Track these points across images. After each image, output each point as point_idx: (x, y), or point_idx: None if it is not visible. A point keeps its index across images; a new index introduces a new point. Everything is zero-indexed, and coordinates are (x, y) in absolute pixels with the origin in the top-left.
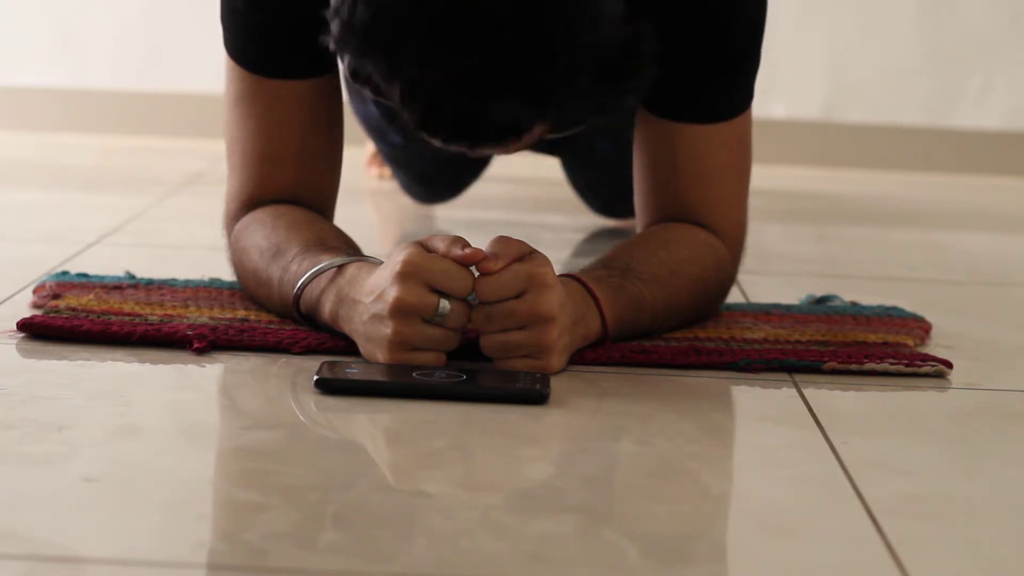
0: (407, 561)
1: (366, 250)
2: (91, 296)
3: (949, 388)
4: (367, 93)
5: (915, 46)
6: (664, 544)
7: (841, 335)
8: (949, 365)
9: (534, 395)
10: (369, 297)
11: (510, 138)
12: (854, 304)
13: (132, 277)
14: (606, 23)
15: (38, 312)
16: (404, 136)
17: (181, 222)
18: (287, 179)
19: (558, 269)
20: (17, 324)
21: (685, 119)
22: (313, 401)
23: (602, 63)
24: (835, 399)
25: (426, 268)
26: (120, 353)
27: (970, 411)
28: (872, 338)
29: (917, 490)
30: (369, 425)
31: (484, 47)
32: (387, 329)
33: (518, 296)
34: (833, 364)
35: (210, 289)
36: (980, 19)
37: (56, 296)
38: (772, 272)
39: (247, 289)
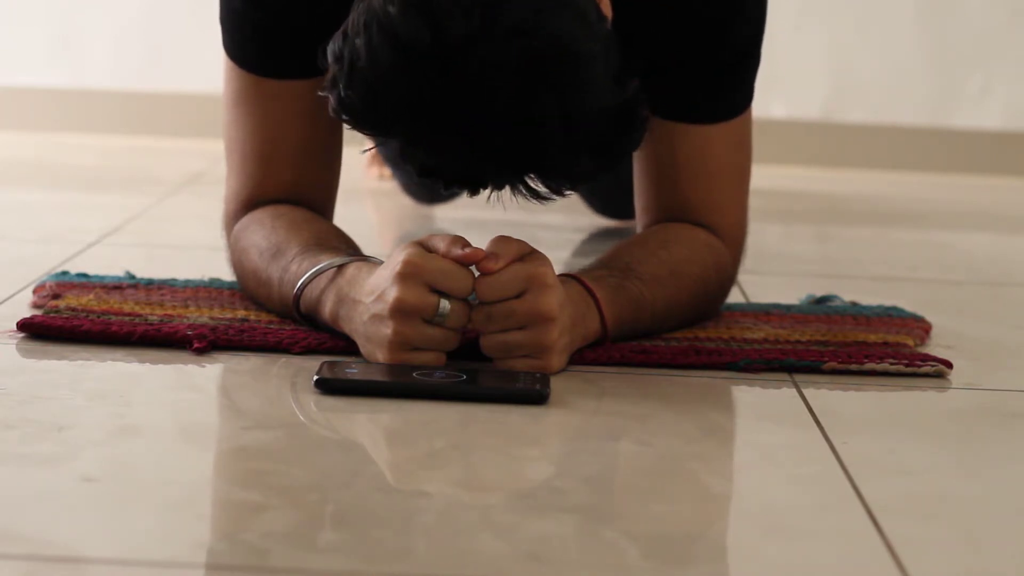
0: (407, 561)
1: (366, 250)
2: (91, 296)
3: (949, 388)
4: None
5: (915, 46)
6: (664, 544)
7: (841, 335)
8: (949, 365)
9: (534, 395)
10: (369, 297)
11: (508, 186)
12: (854, 304)
13: (132, 277)
14: (596, 95)
15: (38, 312)
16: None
17: (181, 222)
18: (286, 179)
19: (558, 269)
20: (17, 324)
21: (685, 119)
22: (313, 401)
23: (594, 136)
24: (835, 399)
25: (426, 268)
26: (120, 353)
27: (970, 411)
28: (872, 338)
29: (917, 490)
30: (369, 425)
31: (475, 133)
32: (387, 329)
33: (518, 296)
34: (833, 364)
35: (210, 289)
36: (980, 19)
37: (56, 296)
38: (772, 272)
39: (247, 289)
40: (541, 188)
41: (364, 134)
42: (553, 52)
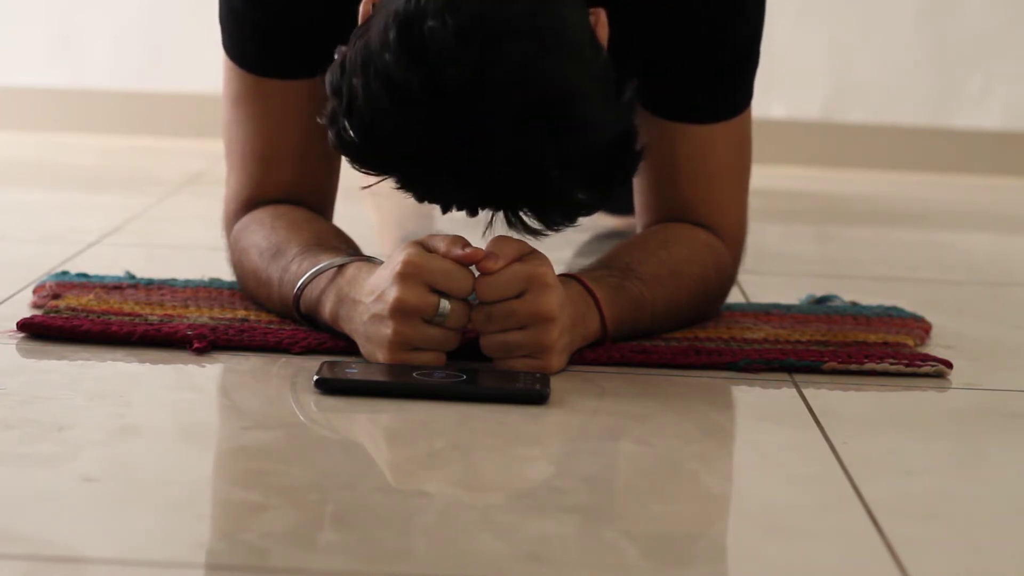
0: (407, 561)
1: (366, 250)
2: (91, 296)
3: (949, 388)
4: None
5: (915, 46)
6: (664, 544)
7: (841, 335)
8: (949, 365)
9: (534, 395)
10: (369, 297)
11: (505, 220)
12: (854, 304)
13: (132, 277)
14: (595, 131)
15: (38, 312)
16: None
17: (181, 222)
18: (286, 179)
19: (558, 269)
20: (17, 324)
21: (685, 119)
22: (313, 401)
23: (592, 172)
24: (835, 399)
25: (426, 268)
26: (120, 353)
27: (970, 411)
28: (872, 338)
29: (917, 490)
30: (369, 425)
31: (470, 177)
32: (387, 329)
33: (518, 296)
34: (833, 364)
35: (210, 289)
36: (980, 19)
37: (56, 296)
38: (772, 272)
39: (247, 289)
40: (537, 224)
41: (362, 172)
42: (547, 99)
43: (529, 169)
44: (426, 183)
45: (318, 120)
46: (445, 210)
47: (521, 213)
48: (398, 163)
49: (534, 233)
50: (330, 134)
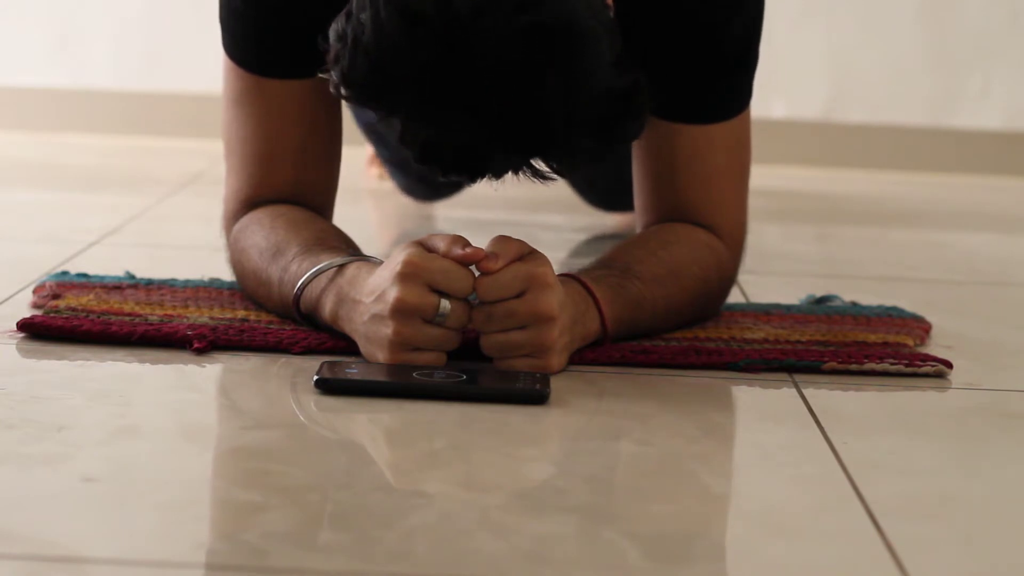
0: (407, 561)
1: (366, 250)
2: (91, 296)
3: (949, 388)
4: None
5: (915, 46)
6: (664, 544)
7: (841, 335)
8: (949, 365)
9: (534, 395)
10: (369, 297)
11: (508, 175)
12: (854, 304)
13: (132, 277)
14: (601, 74)
15: (38, 312)
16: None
17: (181, 222)
18: (286, 179)
19: (558, 269)
20: (17, 324)
21: (685, 120)
22: (313, 401)
23: (598, 116)
24: (835, 399)
25: (426, 268)
26: (120, 353)
27: (970, 411)
28: (872, 338)
29: (917, 490)
30: (369, 425)
31: (479, 108)
32: (387, 329)
33: (518, 296)
34: (833, 364)
35: (210, 289)
36: (980, 19)
37: (56, 296)
38: (772, 272)
39: (247, 289)
40: (542, 167)
41: (368, 108)
42: (559, 28)
43: (536, 98)
44: (432, 117)
45: (319, 75)
46: (446, 171)
47: (525, 156)
48: (406, 94)
49: (539, 176)
50: (333, 77)
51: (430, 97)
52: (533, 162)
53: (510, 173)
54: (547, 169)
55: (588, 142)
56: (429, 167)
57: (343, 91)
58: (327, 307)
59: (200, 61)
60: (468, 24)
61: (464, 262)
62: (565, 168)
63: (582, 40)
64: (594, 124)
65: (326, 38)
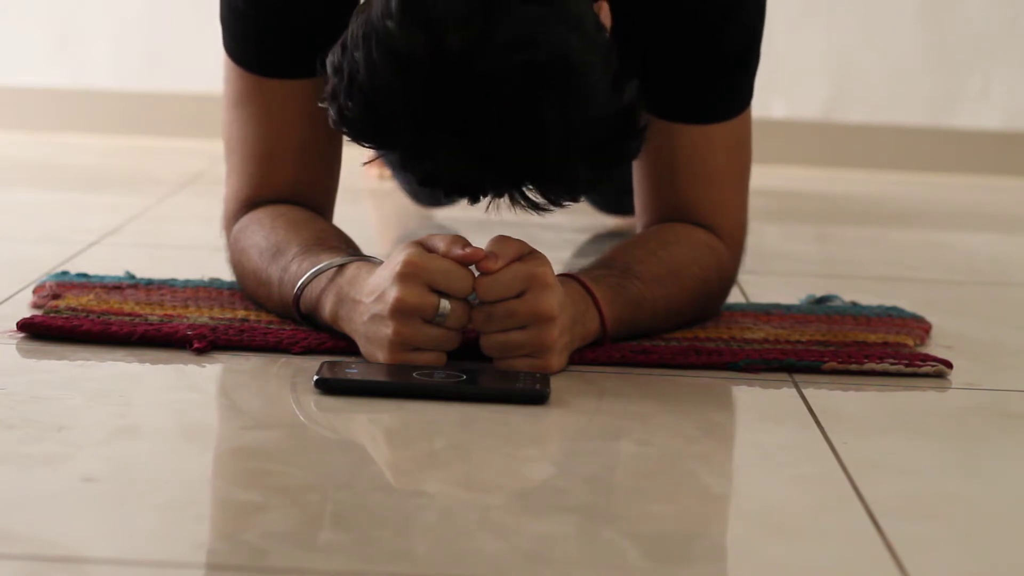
0: (407, 561)
1: (366, 250)
2: (91, 296)
3: (949, 388)
4: None
5: (915, 46)
6: (664, 544)
7: (841, 335)
8: (949, 365)
9: (534, 395)
10: (369, 297)
11: (508, 196)
12: (854, 304)
13: (132, 277)
14: (597, 103)
15: (38, 312)
16: None
17: (181, 222)
18: (286, 179)
19: (558, 269)
20: (17, 324)
21: (685, 120)
22: (313, 401)
23: (594, 145)
24: (835, 399)
25: (426, 268)
26: (120, 353)
27: (970, 411)
28: (872, 338)
29: (917, 490)
30: (369, 425)
31: (475, 147)
32: (387, 329)
33: (518, 296)
34: (833, 364)
35: (210, 289)
36: (980, 19)
37: (56, 296)
38: (772, 272)
39: (247, 289)
40: (539, 199)
41: (364, 147)
42: (550, 64)
43: (530, 136)
44: (429, 155)
45: (318, 104)
46: (447, 192)
47: (524, 188)
48: (401, 134)
49: (537, 208)
50: (330, 112)
51: (425, 137)
52: (529, 193)
53: (509, 201)
54: (544, 200)
55: (584, 171)
56: (430, 188)
57: (339, 126)
58: (327, 307)
59: (200, 61)
60: (458, 65)
61: (464, 262)
62: (563, 198)
63: (574, 74)
64: (589, 154)
65: (325, 49)
